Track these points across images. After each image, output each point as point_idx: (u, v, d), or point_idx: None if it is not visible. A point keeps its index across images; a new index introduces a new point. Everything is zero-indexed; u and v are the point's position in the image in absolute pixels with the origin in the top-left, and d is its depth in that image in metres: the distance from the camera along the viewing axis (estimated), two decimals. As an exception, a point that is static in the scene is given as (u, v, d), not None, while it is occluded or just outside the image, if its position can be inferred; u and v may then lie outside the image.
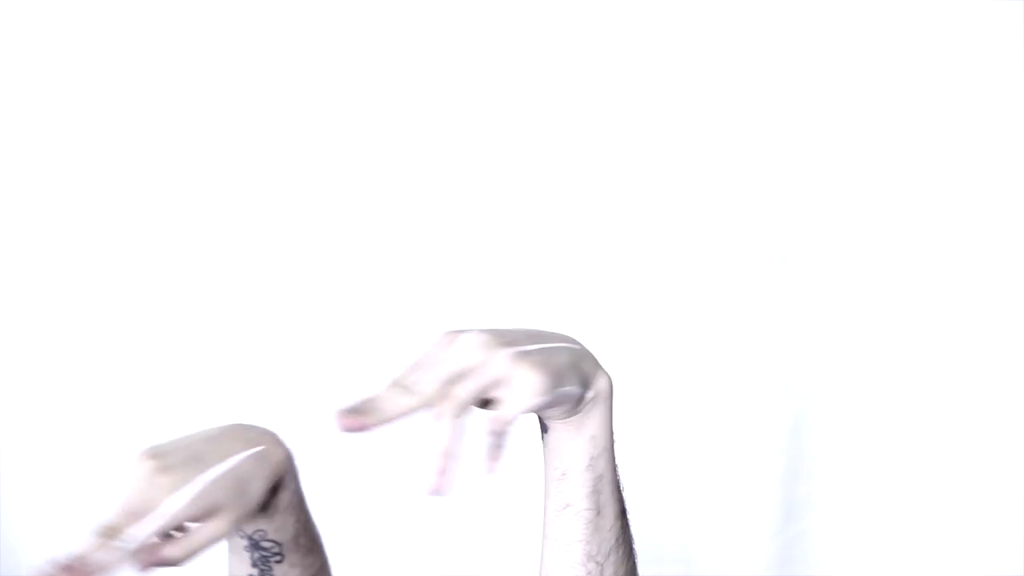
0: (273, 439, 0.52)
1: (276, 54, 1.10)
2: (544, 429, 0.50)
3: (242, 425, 0.52)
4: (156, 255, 1.14)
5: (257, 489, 0.50)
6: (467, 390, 0.43)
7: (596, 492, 0.49)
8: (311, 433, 1.11)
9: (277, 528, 0.55)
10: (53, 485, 1.19)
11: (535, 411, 0.46)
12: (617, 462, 0.50)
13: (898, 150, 1.00)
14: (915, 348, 1.00)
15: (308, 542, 0.59)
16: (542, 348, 0.46)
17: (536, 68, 1.06)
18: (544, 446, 0.50)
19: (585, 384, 0.47)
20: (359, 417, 0.42)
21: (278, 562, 0.57)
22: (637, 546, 0.51)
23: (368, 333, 1.09)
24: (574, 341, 0.49)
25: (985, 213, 0.99)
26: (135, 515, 0.45)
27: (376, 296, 1.07)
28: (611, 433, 0.50)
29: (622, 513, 0.51)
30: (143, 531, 0.45)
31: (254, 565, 0.56)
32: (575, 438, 0.49)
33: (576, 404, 0.48)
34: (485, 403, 0.44)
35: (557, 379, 0.45)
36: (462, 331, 0.45)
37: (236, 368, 1.12)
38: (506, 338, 0.45)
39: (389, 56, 1.08)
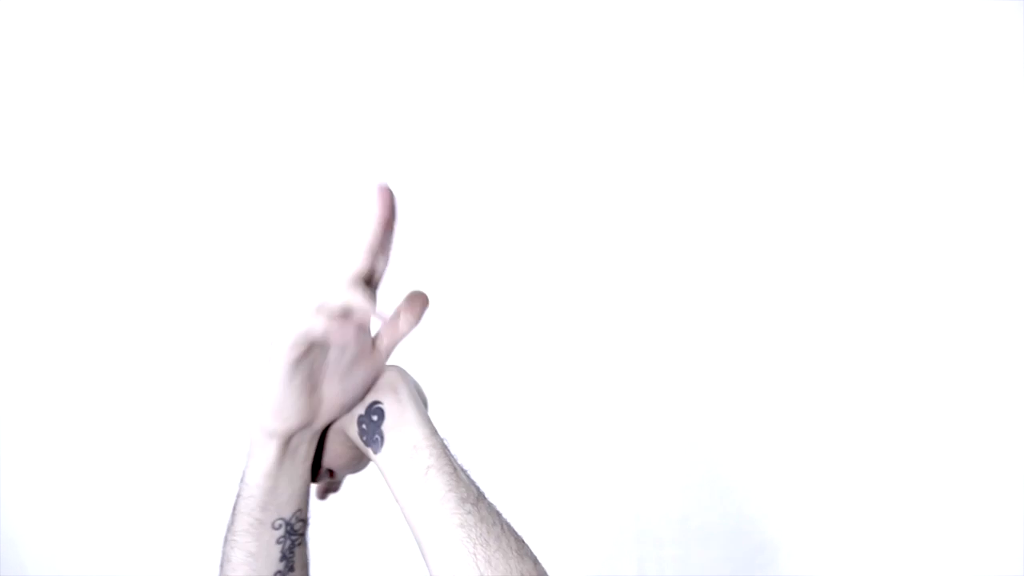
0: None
1: (276, 54, 1.10)
2: (381, 417, 0.57)
3: None
4: (155, 255, 1.14)
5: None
6: None
7: (446, 454, 0.54)
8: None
9: (306, 504, 0.56)
10: (53, 485, 1.19)
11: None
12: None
13: (897, 148, 1.00)
14: (914, 348, 1.01)
15: None
16: None
17: (526, 73, 1.06)
18: (384, 434, 0.56)
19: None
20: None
21: (300, 544, 0.56)
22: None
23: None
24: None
25: (985, 213, 0.99)
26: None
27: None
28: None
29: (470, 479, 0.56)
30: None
31: (283, 558, 0.55)
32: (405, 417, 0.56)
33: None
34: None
35: None
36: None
37: (235, 368, 1.12)
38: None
39: (389, 56, 1.08)
